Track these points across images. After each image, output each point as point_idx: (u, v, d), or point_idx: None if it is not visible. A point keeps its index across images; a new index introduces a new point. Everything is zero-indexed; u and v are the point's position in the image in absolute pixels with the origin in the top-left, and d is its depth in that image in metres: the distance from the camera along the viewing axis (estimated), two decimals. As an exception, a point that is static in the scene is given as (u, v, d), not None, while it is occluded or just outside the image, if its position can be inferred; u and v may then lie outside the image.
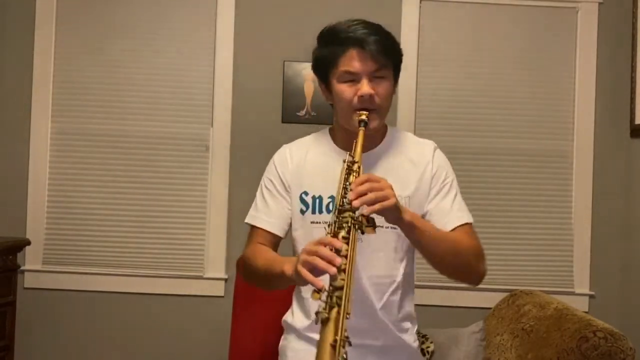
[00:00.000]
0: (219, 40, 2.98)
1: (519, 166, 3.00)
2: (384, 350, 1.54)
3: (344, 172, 1.38)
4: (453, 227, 1.50)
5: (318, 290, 1.13)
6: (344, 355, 0.93)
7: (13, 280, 2.75)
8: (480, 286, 2.86)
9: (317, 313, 1.05)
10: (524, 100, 3.00)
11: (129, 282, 2.94)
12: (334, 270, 1.13)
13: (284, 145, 1.66)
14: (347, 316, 1.04)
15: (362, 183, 1.28)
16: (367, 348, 1.49)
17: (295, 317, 1.62)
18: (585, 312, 2.47)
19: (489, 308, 2.73)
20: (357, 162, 1.38)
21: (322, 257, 1.16)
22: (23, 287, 2.91)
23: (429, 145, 1.61)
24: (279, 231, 1.58)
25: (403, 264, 1.55)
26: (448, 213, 1.51)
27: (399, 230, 1.45)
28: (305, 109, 2.92)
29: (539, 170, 3.00)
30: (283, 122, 2.93)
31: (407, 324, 1.59)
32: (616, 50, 2.98)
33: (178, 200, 2.97)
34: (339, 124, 1.59)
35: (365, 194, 1.26)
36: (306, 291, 1.58)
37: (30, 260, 2.94)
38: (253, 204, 1.62)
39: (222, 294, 2.94)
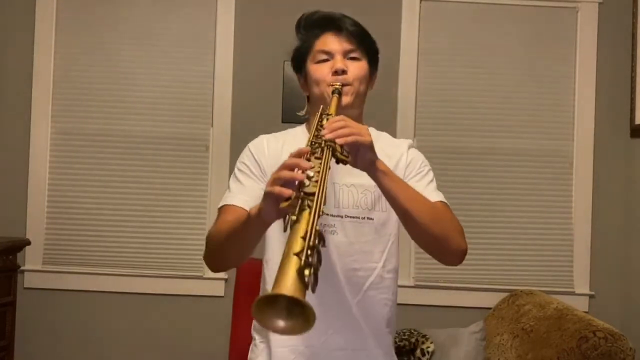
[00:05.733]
0: (219, 40, 2.98)
1: (519, 166, 3.00)
2: (356, 350, 1.48)
3: (318, 118, 1.35)
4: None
5: (287, 199, 1.05)
6: (317, 247, 0.87)
7: (13, 280, 2.75)
8: (480, 286, 2.91)
9: (284, 217, 0.97)
10: (524, 100, 3.00)
11: (129, 282, 2.94)
12: (302, 176, 1.06)
13: (262, 135, 1.64)
14: (321, 213, 0.98)
15: (338, 121, 1.25)
16: (338, 350, 1.44)
17: None
18: (585, 312, 2.47)
19: (489, 308, 2.73)
20: (331, 115, 1.35)
21: (290, 167, 1.10)
22: (23, 287, 2.91)
23: (404, 142, 1.60)
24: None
25: (382, 259, 1.50)
26: (423, 190, 1.44)
27: (375, 221, 1.43)
28: (305, 109, 2.90)
29: (539, 170, 3.00)
30: (283, 122, 2.93)
31: (384, 330, 1.53)
32: (616, 50, 2.98)
33: (178, 200, 2.97)
34: (315, 114, 1.58)
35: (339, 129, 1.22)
36: (270, 282, 1.52)
37: (30, 260, 2.94)
38: (226, 191, 1.54)
39: (222, 294, 2.94)
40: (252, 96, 2.98)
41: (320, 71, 1.49)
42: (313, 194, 1.02)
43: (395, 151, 1.55)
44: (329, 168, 1.14)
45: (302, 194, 1.03)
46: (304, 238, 0.89)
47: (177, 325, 2.96)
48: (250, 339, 1.71)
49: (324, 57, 1.49)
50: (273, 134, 1.65)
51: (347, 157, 1.21)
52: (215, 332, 2.86)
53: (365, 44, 1.52)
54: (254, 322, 1.58)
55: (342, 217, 1.47)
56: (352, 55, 1.49)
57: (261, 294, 1.54)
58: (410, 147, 1.58)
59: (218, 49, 2.98)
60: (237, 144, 2.96)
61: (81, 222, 2.95)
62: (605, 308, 2.90)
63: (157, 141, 2.97)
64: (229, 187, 1.54)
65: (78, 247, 2.95)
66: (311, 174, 1.07)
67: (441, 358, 2.47)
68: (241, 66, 2.98)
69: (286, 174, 1.10)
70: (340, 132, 1.21)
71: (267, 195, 1.13)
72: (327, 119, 1.32)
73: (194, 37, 2.99)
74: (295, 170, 1.10)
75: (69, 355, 2.95)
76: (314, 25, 1.52)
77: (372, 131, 1.61)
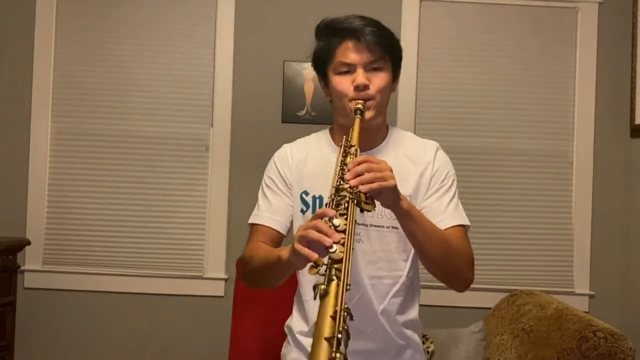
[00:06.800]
0: (219, 40, 2.98)
1: (519, 166, 3.00)
2: (385, 352, 1.51)
3: (341, 154, 1.35)
4: (447, 227, 1.47)
5: (315, 265, 1.08)
6: (345, 327, 0.89)
7: (13, 280, 2.75)
8: (480, 286, 2.91)
9: (315, 287, 0.99)
10: (524, 100, 3.00)
11: (129, 282, 2.94)
12: (329, 240, 1.08)
13: (285, 145, 1.64)
14: (348, 287, 1.00)
15: (360, 163, 1.24)
16: (365, 353, 1.46)
17: (294, 321, 1.60)
18: (585, 312, 2.47)
19: (489, 308, 2.73)
20: (354, 146, 1.36)
21: (319, 230, 1.11)
22: (23, 287, 2.91)
23: (431, 145, 1.58)
24: (280, 227, 1.53)
25: (406, 266, 1.53)
26: (443, 212, 1.48)
27: (400, 230, 1.42)
28: (305, 109, 2.91)
29: (539, 170, 3.00)
30: (283, 122, 2.93)
31: (409, 332, 1.55)
32: (616, 50, 2.98)
33: (178, 200, 2.97)
34: (338, 122, 1.57)
35: (363, 174, 1.22)
36: (306, 293, 1.55)
37: (30, 260, 2.94)
38: (256, 206, 1.59)
39: (222, 294, 2.94)
40: (252, 96, 2.97)
41: (342, 84, 1.48)
42: (340, 261, 1.05)
43: (421, 157, 1.55)
44: (355, 221, 1.17)
45: (330, 261, 1.06)
46: (333, 318, 0.91)
47: (177, 325, 2.96)
48: (250, 339, 1.73)
49: (345, 69, 1.48)
50: (296, 141, 1.64)
51: (370, 204, 1.23)
52: (215, 332, 2.85)
53: (387, 53, 1.50)
54: (288, 319, 1.64)
55: (367, 225, 1.49)
56: (374, 66, 1.48)
57: (296, 300, 1.62)
58: (437, 150, 1.57)
59: (218, 48, 2.98)
60: (237, 144, 2.97)
61: (81, 222, 2.95)
62: (605, 308, 2.91)
63: (157, 141, 2.97)
64: (258, 201, 1.59)
65: (78, 247, 2.95)
66: (337, 238, 1.10)
67: (441, 358, 2.47)
68: (241, 66, 2.98)
69: (314, 235, 1.11)
70: (364, 178, 1.22)
71: (296, 254, 1.16)
72: (350, 154, 1.33)
73: (194, 37, 2.99)
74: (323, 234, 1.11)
75: (69, 355, 2.95)
76: (334, 33, 1.50)
77: (397, 132, 1.63)
